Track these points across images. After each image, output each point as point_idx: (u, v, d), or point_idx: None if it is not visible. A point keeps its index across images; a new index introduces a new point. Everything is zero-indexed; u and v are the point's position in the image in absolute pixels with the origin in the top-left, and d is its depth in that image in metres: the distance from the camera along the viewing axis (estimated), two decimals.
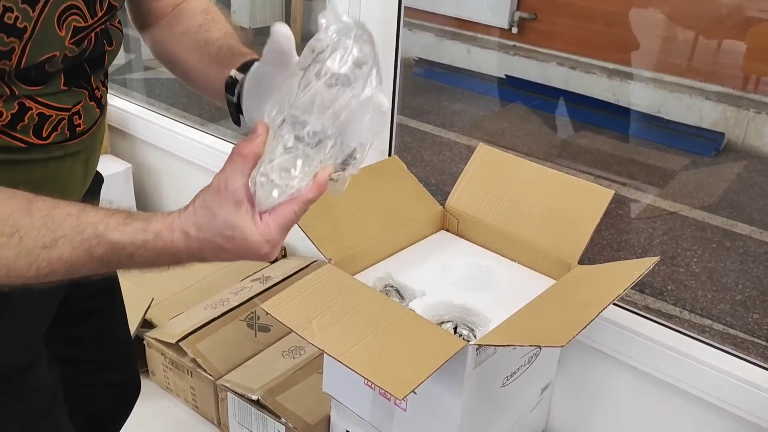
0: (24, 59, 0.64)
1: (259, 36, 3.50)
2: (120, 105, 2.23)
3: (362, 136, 0.60)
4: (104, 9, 0.71)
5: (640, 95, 3.09)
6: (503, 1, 3.50)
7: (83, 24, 0.69)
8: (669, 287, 2.05)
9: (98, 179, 0.92)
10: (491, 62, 3.66)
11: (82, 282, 0.63)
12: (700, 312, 1.97)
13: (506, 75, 3.58)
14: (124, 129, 2.21)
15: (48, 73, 0.69)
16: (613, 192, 1.20)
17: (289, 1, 3.61)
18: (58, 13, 0.65)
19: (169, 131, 2.10)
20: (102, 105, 0.79)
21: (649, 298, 2.00)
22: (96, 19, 0.70)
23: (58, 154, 0.73)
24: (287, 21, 3.65)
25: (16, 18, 0.61)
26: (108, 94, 0.85)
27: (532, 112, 3.29)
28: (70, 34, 0.67)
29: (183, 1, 0.89)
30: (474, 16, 3.68)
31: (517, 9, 3.50)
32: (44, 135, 0.70)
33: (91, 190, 0.87)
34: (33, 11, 0.63)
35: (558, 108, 3.24)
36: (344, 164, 0.61)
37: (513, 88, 3.52)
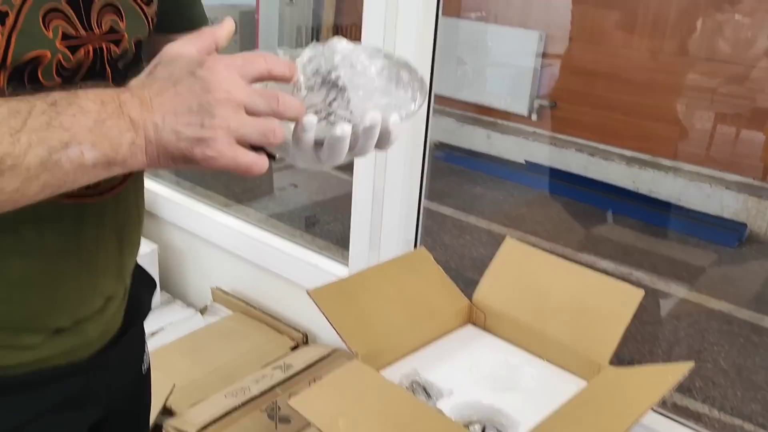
0: (10, 52, 0.60)
1: None
2: (145, 185, 2.27)
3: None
4: (103, 29, 0.68)
5: (660, 183, 3.11)
6: (523, 88, 3.59)
7: (74, 33, 0.65)
8: (697, 384, 2.00)
9: (148, 281, 0.89)
10: (511, 148, 3.72)
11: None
12: (730, 411, 1.91)
13: (526, 160, 3.62)
14: (150, 209, 2.24)
15: (46, 88, 0.64)
16: (644, 292, 1.19)
17: None
18: (42, 12, 0.63)
19: (194, 212, 2.13)
20: None
21: (676, 394, 1.95)
22: (92, 34, 0.67)
23: (72, 212, 0.68)
24: None
25: None
26: None
27: (552, 198, 3.31)
28: (59, 36, 0.64)
29: None
30: (494, 103, 3.76)
31: (537, 96, 3.58)
32: None
33: (138, 293, 0.84)
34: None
35: (577, 194, 3.27)
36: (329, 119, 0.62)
37: (532, 174, 3.56)
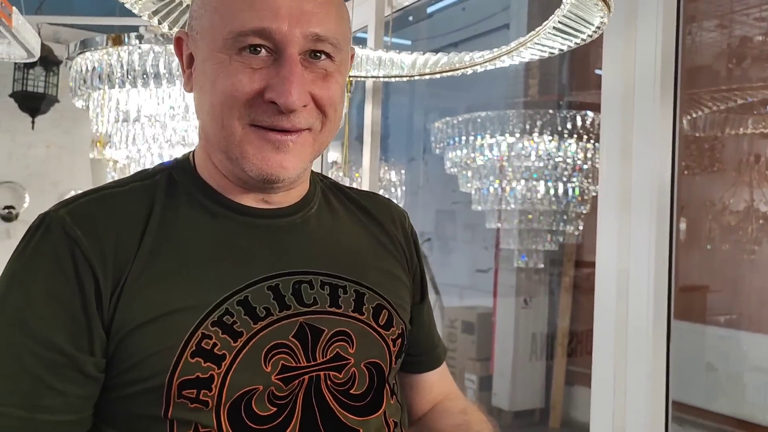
0: (225, 391, 0.65)
1: (518, 418, 3.51)
2: None
3: None
4: (327, 356, 0.72)
5: None
6: None
7: (294, 364, 0.69)
8: None
9: None
10: None
11: None
12: None
13: None
14: None
15: (261, 418, 0.68)
16: None
17: (549, 386, 3.64)
18: (267, 348, 0.68)
19: None
20: None
21: None
22: (313, 363, 0.71)
23: None
24: (547, 406, 3.64)
25: (214, 345, 0.65)
26: None
27: None
28: (277, 371, 0.68)
29: (442, 401, 0.91)
30: (757, 415, 3.32)
31: None
32: None
33: None
34: (234, 342, 0.66)
35: None
36: None
37: None
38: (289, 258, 0.74)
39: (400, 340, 0.79)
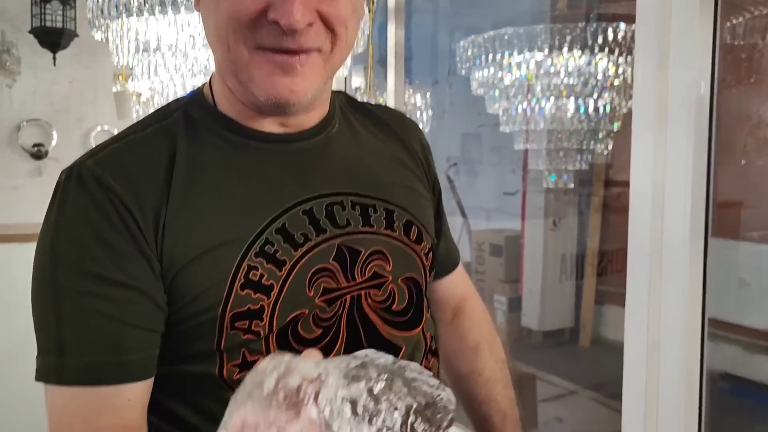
0: (275, 319, 0.67)
1: (548, 338, 3.55)
2: None
3: None
4: (366, 275, 0.73)
5: None
6: None
7: (335, 286, 0.71)
8: None
9: None
10: None
11: None
12: None
13: None
14: None
15: (308, 340, 0.69)
16: None
17: (579, 305, 3.67)
18: (311, 273, 0.69)
19: None
20: None
21: None
22: (353, 284, 0.72)
23: None
24: (576, 325, 3.67)
25: (261, 276, 0.67)
26: None
27: None
28: (320, 293, 0.70)
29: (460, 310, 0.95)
30: None
31: None
32: None
33: None
34: (279, 271, 0.68)
35: None
36: None
37: None
38: (318, 180, 0.74)
39: (431, 253, 0.80)
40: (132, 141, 0.71)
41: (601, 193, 3.50)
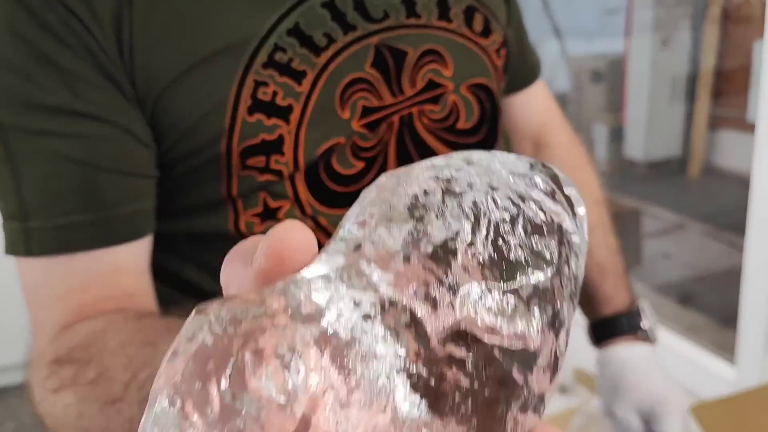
0: (300, 152, 0.51)
1: (653, 169, 3.32)
2: None
3: None
4: (417, 86, 0.55)
5: None
6: None
7: (377, 103, 0.54)
8: None
9: None
10: None
11: None
12: None
13: None
14: None
15: (346, 178, 0.53)
16: None
17: (689, 132, 3.37)
18: (342, 86, 0.52)
19: None
20: None
21: None
22: (401, 98, 0.54)
23: None
24: (685, 154, 3.39)
25: (275, 93, 0.50)
26: None
27: None
28: (357, 114, 0.53)
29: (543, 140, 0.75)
30: None
31: None
32: None
33: None
34: (299, 85, 0.50)
35: None
36: None
37: None
38: None
39: (504, 50, 0.60)
40: None
41: (719, 1, 3.08)
